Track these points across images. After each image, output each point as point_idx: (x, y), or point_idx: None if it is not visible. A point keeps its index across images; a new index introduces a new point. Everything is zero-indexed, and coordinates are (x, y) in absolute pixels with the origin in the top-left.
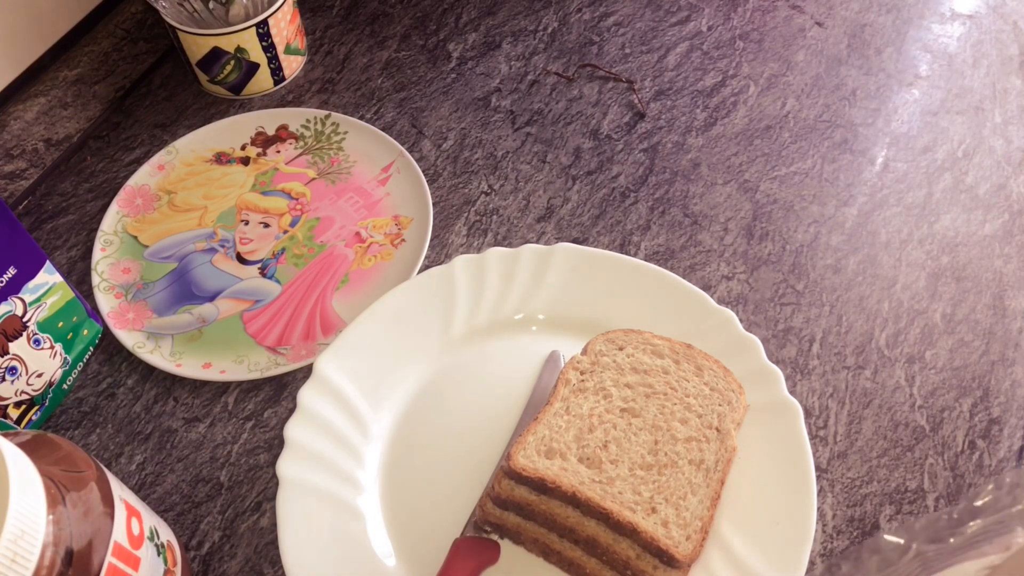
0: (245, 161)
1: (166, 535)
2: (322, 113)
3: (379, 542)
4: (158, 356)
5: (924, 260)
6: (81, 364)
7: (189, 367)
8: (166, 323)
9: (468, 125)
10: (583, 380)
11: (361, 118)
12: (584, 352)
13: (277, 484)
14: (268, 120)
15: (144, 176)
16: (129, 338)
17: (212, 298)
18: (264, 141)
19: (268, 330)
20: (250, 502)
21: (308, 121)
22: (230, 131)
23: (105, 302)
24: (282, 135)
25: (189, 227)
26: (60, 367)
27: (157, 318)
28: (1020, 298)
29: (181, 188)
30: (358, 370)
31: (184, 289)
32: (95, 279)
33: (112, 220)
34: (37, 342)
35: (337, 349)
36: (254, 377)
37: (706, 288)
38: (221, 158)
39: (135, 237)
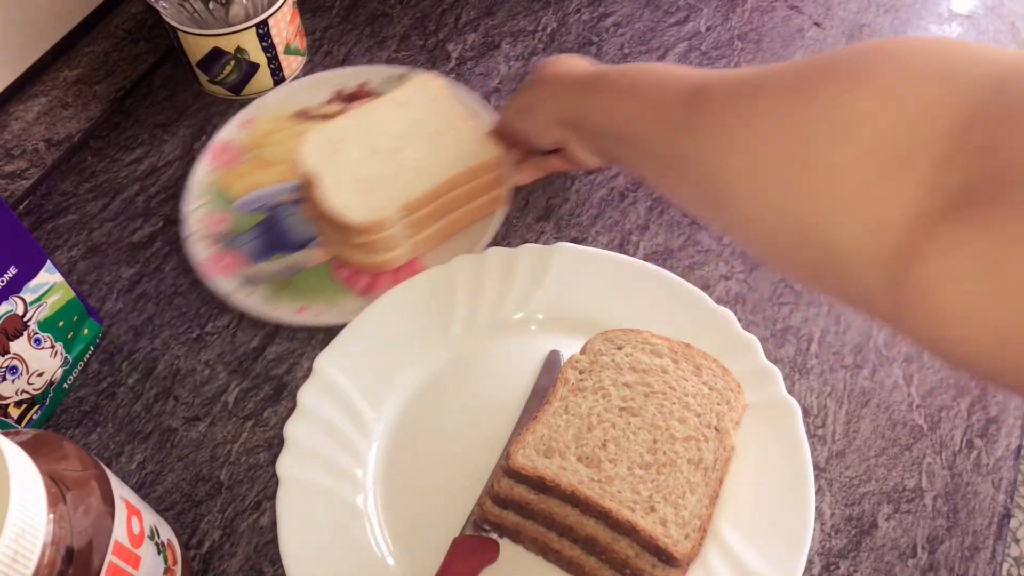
0: (327, 118)
1: (166, 534)
2: (398, 71)
3: (378, 541)
4: (253, 301)
5: None
6: (81, 363)
7: (284, 312)
8: (260, 271)
9: None
10: (582, 379)
11: None
12: (583, 351)
13: (277, 483)
14: (348, 78)
15: (231, 132)
16: (227, 284)
17: (302, 247)
18: (345, 98)
19: (357, 277)
20: (250, 501)
21: (387, 80)
22: (311, 89)
23: (199, 251)
24: (361, 93)
25: (276, 180)
26: (60, 366)
27: (251, 266)
28: None
29: (267, 143)
30: (358, 369)
31: (275, 238)
32: (187, 230)
33: (202, 174)
34: (38, 341)
35: (337, 348)
36: (347, 321)
37: (704, 288)
38: (304, 115)
39: (224, 190)
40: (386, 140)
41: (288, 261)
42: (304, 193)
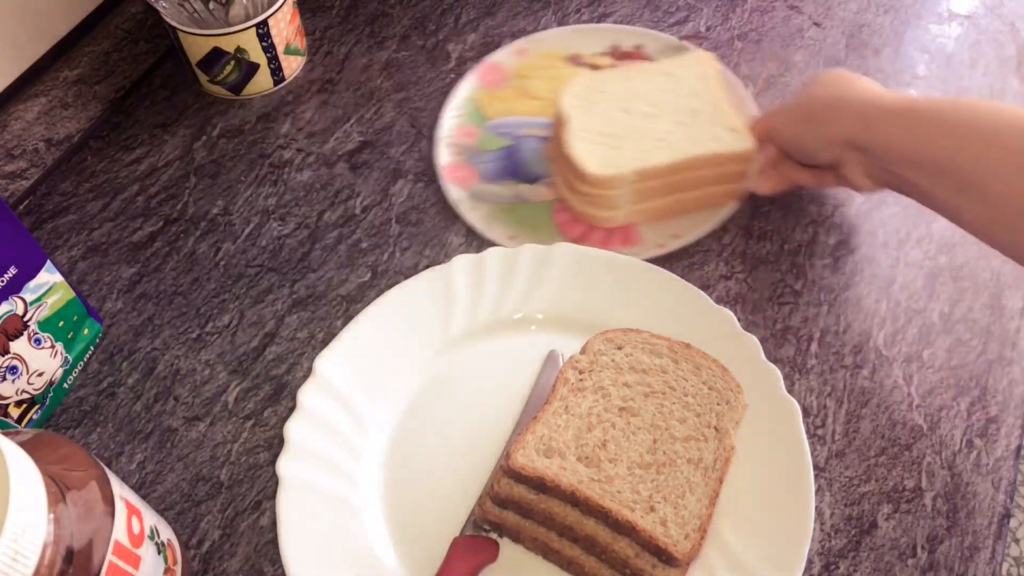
0: (596, 68)
1: (166, 534)
2: (677, 42)
3: (378, 540)
4: (474, 216)
5: (922, 260)
6: (81, 363)
7: (497, 234)
8: (489, 190)
9: None
10: (582, 379)
11: (360, 118)
12: (583, 351)
13: (277, 483)
14: (627, 37)
15: (504, 56)
16: (455, 193)
17: (533, 181)
18: (619, 55)
19: (572, 225)
20: (250, 501)
21: (664, 48)
22: (589, 37)
23: (443, 155)
24: (636, 54)
25: (531, 112)
26: (61, 366)
27: (482, 183)
28: (1017, 297)
29: (533, 76)
30: (358, 369)
31: (512, 165)
32: (440, 134)
33: (468, 88)
34: (38, 341)
35: (337, 348)
36: None
37: (704, 287)
38: (575, 60)
39: (482, 108)
40: (643, 104)
41: (517, 190)
42: (552, 132)
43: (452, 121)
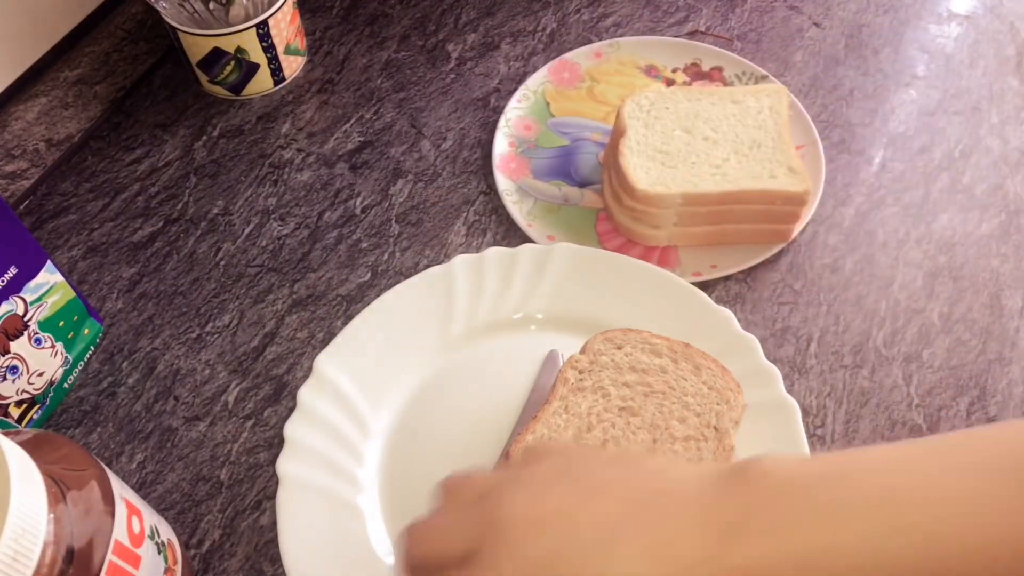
0: (670, 83)
1: (166, 533)
2: (760, 72)
3: (379, 540)
4: (517, 210)
5: (921, 260)
6: (82, 363)
7: (536, 232)
8: (537, 186)
9: (467, 125)
10: (581, 379)
11: (360, 118)
12: (583, 351)
13: (277, 483)
14: (708, 56)
15: (581, 56)
16: (504, 183)
17: (583, 185)
18: (695, 73)
19: (613, 236)
20: (250, 500)
21: (742, 74)
22: (670, 51)
23: (499, 144)
24: (713, 75)
25: (595, 117)
26: (61, 366)
27: (532, 179)
28: (1017, 297)
29: (604, 81)
30: (358, 369)
31: (564, 166)
32: (502, 122)
33: (537, 81)
34: (38, 341)
35: (337, 348)
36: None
37: (704, 288)
38: (650, 71)
39: (548, 104)
40: (706, 128)
41: (565, 191)
42: (611, 140)
43: (514, 112)
